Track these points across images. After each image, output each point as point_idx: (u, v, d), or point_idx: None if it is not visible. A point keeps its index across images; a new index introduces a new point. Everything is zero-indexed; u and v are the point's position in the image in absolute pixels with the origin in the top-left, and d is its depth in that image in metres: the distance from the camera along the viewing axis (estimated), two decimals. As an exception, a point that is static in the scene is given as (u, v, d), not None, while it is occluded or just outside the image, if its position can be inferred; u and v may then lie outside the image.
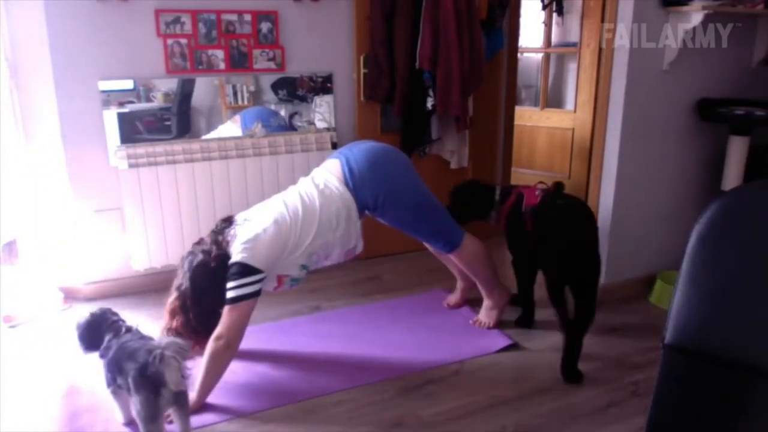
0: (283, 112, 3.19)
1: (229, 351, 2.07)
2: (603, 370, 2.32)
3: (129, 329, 1.90)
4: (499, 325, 2.64)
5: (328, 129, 3.27)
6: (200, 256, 2.14)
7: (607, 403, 2.11)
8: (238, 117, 3.09)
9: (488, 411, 2.06)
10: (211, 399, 2.09)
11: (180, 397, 1.77)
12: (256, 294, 2.08)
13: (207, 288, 2.10)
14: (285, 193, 2.30)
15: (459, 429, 1.98)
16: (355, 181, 2.28)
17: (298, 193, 2.25)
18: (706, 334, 1.06)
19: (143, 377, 1.67)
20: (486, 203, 2.60)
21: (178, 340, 1.76)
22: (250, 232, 2.11)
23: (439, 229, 2.46)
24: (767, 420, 1.02)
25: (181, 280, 2.16)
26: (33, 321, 2.70)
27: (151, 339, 1.85)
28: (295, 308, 2.86)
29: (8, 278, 2.74)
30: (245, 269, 2.05)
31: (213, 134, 3.05)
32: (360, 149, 2.37)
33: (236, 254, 2.08)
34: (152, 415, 1.69)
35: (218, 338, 2.04)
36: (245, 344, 2.48)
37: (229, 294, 2.04)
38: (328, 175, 2.31)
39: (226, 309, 2.06)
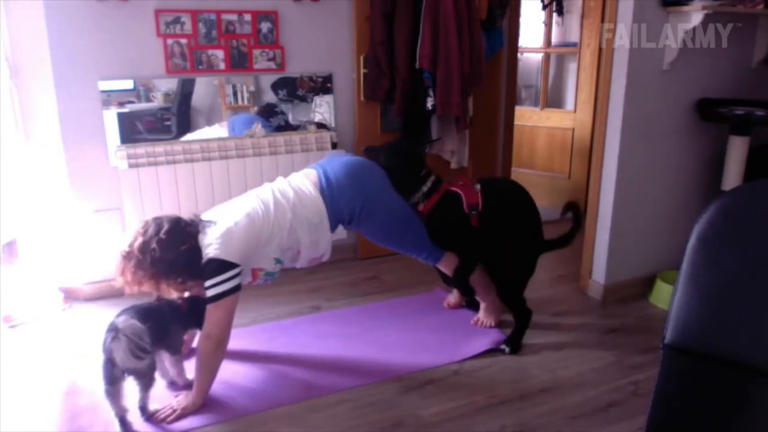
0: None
1: (220, 349, 2.08)
2: (603, 370, 2.32)
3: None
4: (499, 324, 2.64)
5: (328, 129, 3.27)
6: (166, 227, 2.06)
7: (607, 403, 2.11)
8: (225, 123, 3.09)
9: (488, 411, 2.06)
10: (211, 399, 2.09)
11: (136, 375, 1.90)
12: (236, 289, 2.06)
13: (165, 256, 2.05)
14: (258, 189, 2.30)
15: (459, 429, 1.98)
16: (332, 190, 2.27)
17: (270, 190, 2.26)
18: (706, 334, 1.06)
19: (103, 344, 1.88)
20: (410, 185, 2.46)
21: (137, 324, 1.88)
22: (222, 227, 2.09)
23: (421, 240, 2.45)
24: (767, 420, 1.02)
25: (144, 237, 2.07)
26: (33, 321, 2.70)
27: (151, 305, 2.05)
28: (295, 308, 2.86)
29: (8, 278, 2.74)
30: (221, 265, 2.03)
31: (192, 135, 3.02)
32: (338, 161, 2.38)
33: (210, 250, 2.05)
34: (108, 378, 1.86)
35: (207, 338, 2.04)
36: (245, 344, 2.49)
37: (210, 292, 2.02)
38: (304, 179, 2.32)
39: (209, 308, 2.04)
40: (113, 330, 1.86)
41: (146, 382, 1.94)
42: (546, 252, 2.51)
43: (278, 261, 2.21)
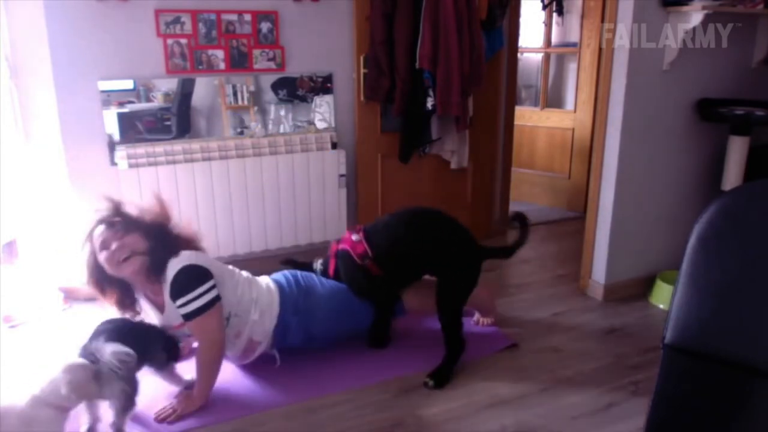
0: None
1: (222, 351, 2.11)
2: (603, 370, 2.32)
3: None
4: (499, 323, 2.64)
5: (328, 129, 3.27)
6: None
7: (607, 403, 2.11)
8: None
9: (488, 411, 2.07)
10: (211, 399, 2.09)
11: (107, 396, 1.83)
12: (219, 297, 2.06)
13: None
14: None
15: (459, 429, 1.98)
16: (279, 282, 2.32)
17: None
18: (706, 334, 1.07)
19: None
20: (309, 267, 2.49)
21: (123, 349, 1.81)
22: (190, 253, 2.09)
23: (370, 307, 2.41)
24: (767, 420, 1.02)
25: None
26: (33, 321, 2.70)
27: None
28: (295, 308, 2.85)
29: (8, 278, 2.74)
30: (196, 273, 2.02)
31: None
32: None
33: (180, 261, 2.02)
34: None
35: (213, 345, 2.05)
36: (245, 344, 2.48)
37: (196, 304, 1.99)
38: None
39: (200, 320, 2.01)
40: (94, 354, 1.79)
41: (121, 405, 1.84)
42: (486, 259, 2.39)
43: (227, 318, 2.14)
